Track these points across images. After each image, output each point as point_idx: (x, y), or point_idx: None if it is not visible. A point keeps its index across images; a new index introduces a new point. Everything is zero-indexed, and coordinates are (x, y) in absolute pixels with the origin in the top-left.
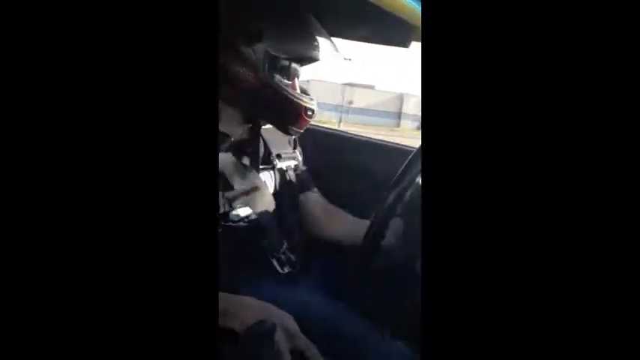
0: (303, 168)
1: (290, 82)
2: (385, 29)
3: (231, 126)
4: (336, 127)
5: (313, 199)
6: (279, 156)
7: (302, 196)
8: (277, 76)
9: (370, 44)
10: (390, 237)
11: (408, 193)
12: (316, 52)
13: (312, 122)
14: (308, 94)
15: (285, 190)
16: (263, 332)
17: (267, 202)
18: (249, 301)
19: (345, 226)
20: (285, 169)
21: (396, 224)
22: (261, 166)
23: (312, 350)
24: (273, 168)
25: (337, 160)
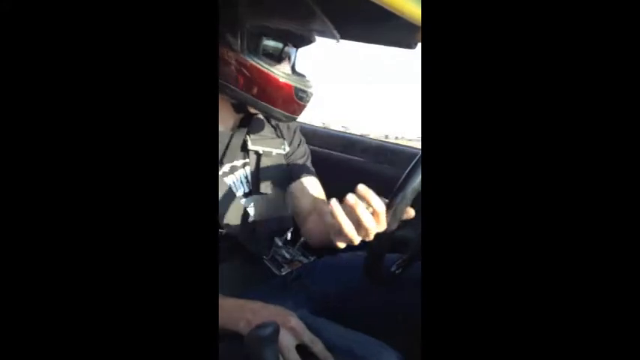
0: (299, 155)
1: (279, 64)
2: (390, 30)
3: (222, 117)
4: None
5: (302, 188)
6: (254, 139)
7: (293, 184)
8: (263, 57)
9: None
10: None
11: (414, 197)
12: (308, 31)
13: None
14: (303, 76)
15: (272, 178)
16: (265, 336)
17: (235, 205)
18: (253, 303)
19: (319, 227)
20: (261, 152)
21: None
22: (228, 164)
23: (318, 345)
24: (243, 165)
25: (340, 162)
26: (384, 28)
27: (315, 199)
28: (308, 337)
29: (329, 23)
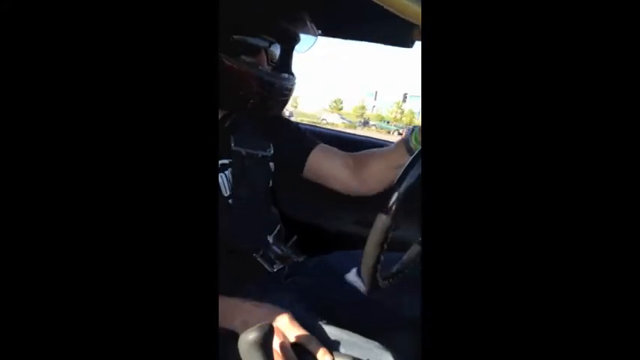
0: (295, 138)
1: (252, 58)
2: (387, 29)
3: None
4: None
5: (321, 159)
6: (237, 140)
7: (309, 165)
8: (233, 52)
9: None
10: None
11: (410, 193)
12: (288, 24)
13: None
14: (284, 73)
15: (254, 181)
16: (257, 339)
17: (223, 204)
18: (248, 303)
19: (378, 173)
20: (244, 154)
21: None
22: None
23: (313, 342)
24: (229, 164)
25: None
26: (381, 27)
27: (342, 159)
28: (303, 336)
29: (310, 21)
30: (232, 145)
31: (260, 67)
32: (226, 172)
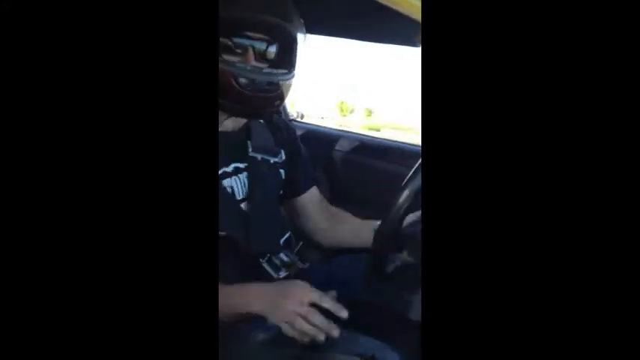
0: (297, 165)
1: (237, 57)
2: (393, 28)
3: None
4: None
5: (312, 201)
6: (254, 146)
7: (300, 200)
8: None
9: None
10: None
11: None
12: (274, 20)
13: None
14: (279, 68)
15: (268, 187)
16: (266, 338)
17: (235, 208)
18: (257, 286)
19: (351, 230)
20: (259, 159)
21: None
22: (232, 165)
23: (326, 299)
24: (244, 169)
25: (345, 162)
26: (386, 26)
27: (326, 209)
28: (316, 295)
29: (299, 18)
30: (250, 150)
31: (238, 64)
32: (240, 176)
